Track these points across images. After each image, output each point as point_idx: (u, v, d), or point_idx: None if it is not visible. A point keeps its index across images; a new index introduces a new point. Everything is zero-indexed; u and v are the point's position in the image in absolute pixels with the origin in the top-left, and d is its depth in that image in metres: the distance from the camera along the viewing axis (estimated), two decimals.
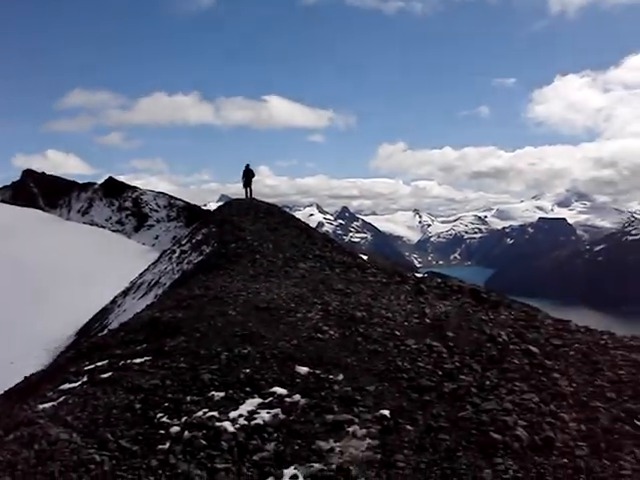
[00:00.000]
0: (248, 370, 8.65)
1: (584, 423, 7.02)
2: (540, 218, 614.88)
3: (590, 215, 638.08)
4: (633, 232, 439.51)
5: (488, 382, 8.09)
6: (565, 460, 6.31)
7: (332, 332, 10.25)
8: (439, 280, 16.65)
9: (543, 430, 6.80)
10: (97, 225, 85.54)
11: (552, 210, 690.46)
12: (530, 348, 9.24)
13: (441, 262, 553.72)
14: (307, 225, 30.70)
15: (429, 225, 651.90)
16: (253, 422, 7.20)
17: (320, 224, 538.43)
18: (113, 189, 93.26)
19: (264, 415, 7.38)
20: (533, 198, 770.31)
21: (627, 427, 6.94)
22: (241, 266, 19.25)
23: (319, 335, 10.04)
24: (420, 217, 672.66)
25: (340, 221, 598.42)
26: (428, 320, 11.03)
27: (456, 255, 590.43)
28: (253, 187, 37.34)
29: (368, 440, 6.69)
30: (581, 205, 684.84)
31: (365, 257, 39.65)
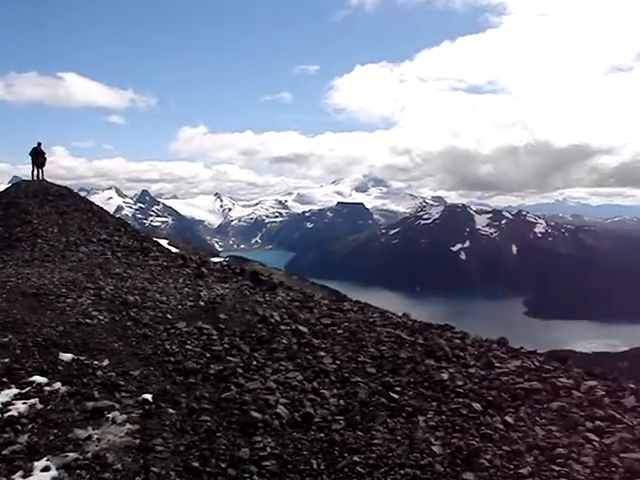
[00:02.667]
0: (7, 360, 8.17)
1: (343, 398, 7.25)
2: (339, 203, 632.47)
3: (386, 200, 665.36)
4: (425, 217, 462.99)
5: (255, 362, 8.15)
6: (322, 434, 6.48)
7: (102, 317, 9.91)
8: (224, 263, 16.66)
9: (303, 407, 6.95)
10: None
11: (350, 195, 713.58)
12: (300, 328, 9.41)
13: (242, 246, 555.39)
14: (100, 208, 29.64)
15: (230, 209, 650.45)
16: (6, 414, 6.80)
17: (119, 208, 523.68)
18: None
19: (19, 406, 6.95)
20: (332, 183, 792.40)
21: (383, 399, 7.25)
22: (19, 251, 18.26)
23: (87, 320, 9.67)
24: (221, 201, 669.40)
25: (140, 205, 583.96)
26: (202, 303, 10.95)
27: (257, 239, 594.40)
28: (45, 168, 35.57)
29: (128, 425, 6.51)
30: (377, 190, 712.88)
31: (166, 241, 38.99)
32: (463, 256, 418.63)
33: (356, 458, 6.04)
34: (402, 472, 5.86)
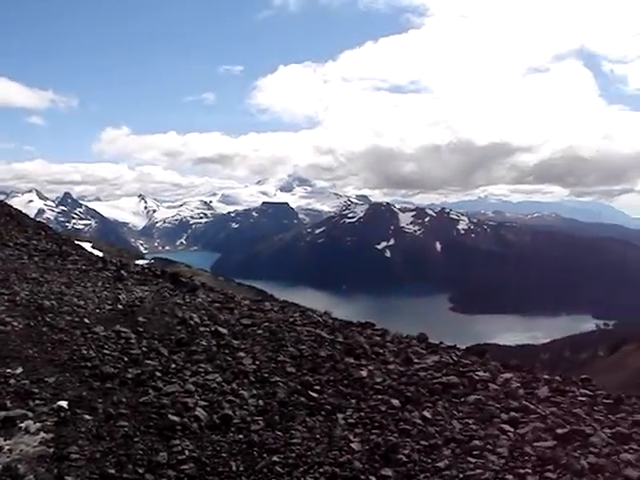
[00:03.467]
0: None
1: (262, 398, 7.24)
2: (264, 203, 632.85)
3: (311, 199, 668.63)
4: (350, 215, 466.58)
5: (174, 365, 8.05)
6: (241, 436, 6.46)
7: (16, 323, 9.63)
8: (145, 265, 16.44)
9: (222, 408, 6.91)
10: None
11: (275, 195, 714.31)
12: (219, 329, 9.34)
13: (168, 247, 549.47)
14: (19, 212, 28.85)
15: (155, 211, 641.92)
16: None
17: (40, 211, 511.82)
18: None
19: None
20: (257, 183, 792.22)
21: (302, 398, 7.27)
22: None
23: (1, 327, 9.43)
24: (145, 202, 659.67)
25: (62, 207, 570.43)
26: (121, 306, 10.75)
27: (182, 240, 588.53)
28: None
29: (42, 434, 6.34)
30: (302, 190, 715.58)
31: (89, 245, 38.19)
32: (388, 254, 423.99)
33: (275, 458, 6.04)
34: (321, 470, 5.89)
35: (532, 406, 7.30)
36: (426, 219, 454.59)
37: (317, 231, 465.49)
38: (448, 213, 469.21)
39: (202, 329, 9.40)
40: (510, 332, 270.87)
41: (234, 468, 5.91)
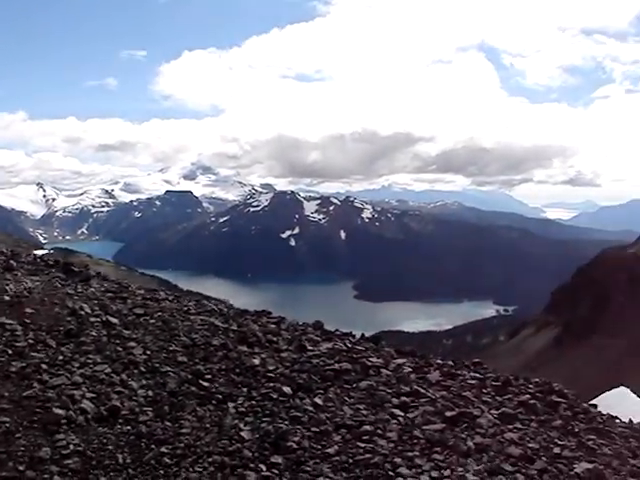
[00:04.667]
0: None
1: (152, 389, 7.10)
2: (167, 191, 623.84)
3: (215, 188, 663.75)
4: (254, 204, 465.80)
5: (61, 357, 7.79)
6: (129, 427, 6.31)
7: None
8: (38, 255, 15.92)
9: (110, 400, 6.73)
10: None
11: (179, 183, 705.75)
12: (111, 319, 9.10)
13: (68, 237, 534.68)
14: None
15: (54, 199, 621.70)
16: None
17: None
18: None
19: None
20: (160, 171, 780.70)
21: (193, 388, 7.16)
22: None
23: None
24: (44, 191, 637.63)
25: None
26: (8, 297, 10.38)
27: (83, 230, 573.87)
28: None
29: None
30: (206, 178, 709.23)
31: None
32: (293, 242, 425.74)
33: (163, 449, 5.93)
34: (210, 460, 5.82)
35: (423, 390, 7.44)
36: (330, 208, 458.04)
37: (221, 220, 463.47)
38: (352, 202, 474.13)
39: (93, 319, 9.12)
40: (414, 319, 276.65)
41: (121, 460, 5.76)
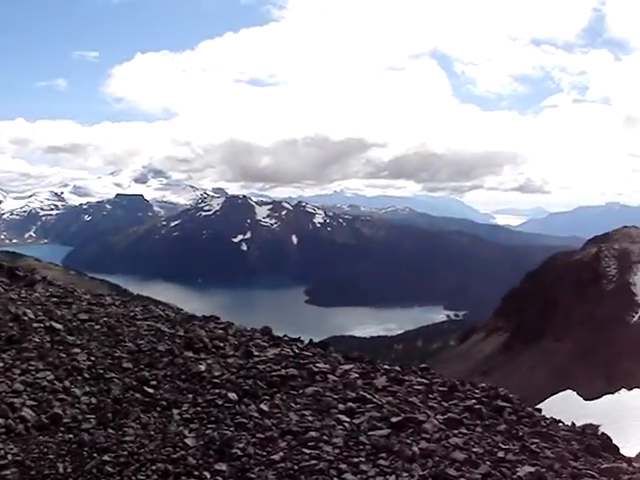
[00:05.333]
0: None
1: (96, 396, 6.99)
2: (118, 194, 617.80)
3: (166, 192, 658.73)
4: (206, 208, 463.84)
5: (2, 364, 7.62)
6: (70, 435, 6.22)
7: None
8: None
9: (52, 408, 6.62)
10: None
11: (129, 186, 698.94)
12: (54, 325, 8.95)
13: (15, 240, 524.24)
14: None
15: (1, 201, 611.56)
16: None
17: None
18: None
19: None
20: (111, 174, 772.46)
21: (137, 395, 7.07)
22: None
23: None
24: None
25: None
26: None
27: (31, 233, 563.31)
28: None
29: None
30: (157, 182, 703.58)
31: None
32: (244, 247, 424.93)
33: (106, 457, 5.84)
34: (153, 468, 5.75)
35: (369, 396, 7.44)
36: (282, 212, 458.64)
37: (173, 224, 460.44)
38: (304, 207, 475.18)
39: (36, 325, 8.95)
40: (365, 324, 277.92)
41: (61, 470, 5.67)
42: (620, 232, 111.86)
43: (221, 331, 9.64)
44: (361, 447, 6.30)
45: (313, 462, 5.90)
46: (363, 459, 6.09)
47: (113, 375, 7.48)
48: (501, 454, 6.59)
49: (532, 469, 6.26)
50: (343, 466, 5.90)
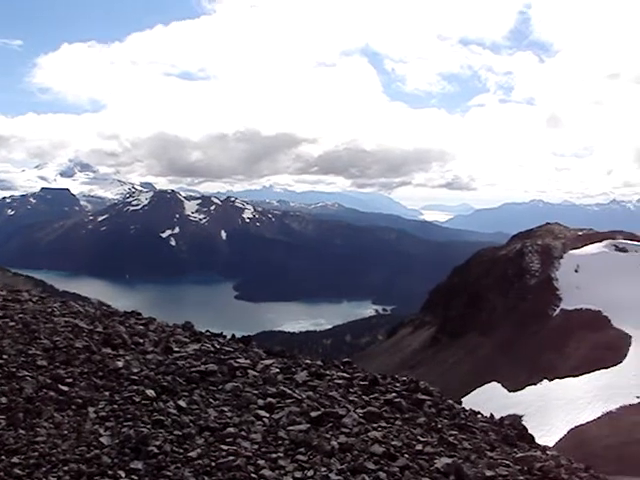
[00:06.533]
0: None
1: (7, 395, 6.77)
2: (43, 188, 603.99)
3: (93, 186, 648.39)
4: (134, 203, 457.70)
5: None
6: None
7: None
8: None
9: None
10: None
11: (55, 180, 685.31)
12: None
13: None
14: None
15: None
16: None
17: None
18: None
19: None
20: (36, 167, 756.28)
21: (52, 393, 6.88)
22: None
23: None
24: None
25: None
26: None
27: None
28: None
29: None
30: (84, 176, 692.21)
31: None
32: (173, 242, 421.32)
33: (15, 459, 5.62)
34: (66, 468, 5.57)
35: (289, 391, 7.42)
36: (212, 207, 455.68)
37: (100, 219, 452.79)
38: (233, 202, 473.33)
39: None
40: (294, 319, 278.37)
41: None
42: (543, 228, 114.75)
43: (141, 327, 9.49)
44: (280, 442, 6.28)
45: (231, 458, 5.84)
46: (282, 454, 6.06)
47: (26, 373, 7.25)
48: (419, 447, 6.66)
49: (449, 460, 6.35)
50: (261, 462, 5.86)
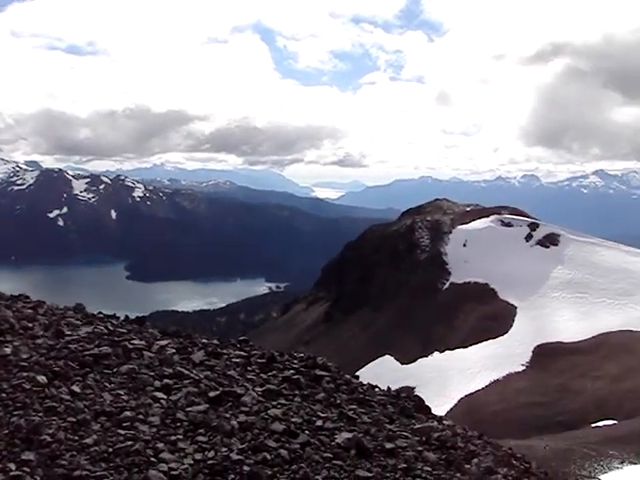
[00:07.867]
0: None
1: None
2: None
3: None
4: (19, 182, 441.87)
5: None
6: None
7: None
8: None
9: None
10: None
11: None
12: None
13: None
14: None
15: None
16: None
17: None
18: None
19: None
20: None
21: None
22: None
23: None
24: None
25: None
26: None
27: None
28: None
29: None
30: None
31: None
32: (61, 222, 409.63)
33: None
34: None
35: (186, 371, 7.33)
36: (101, 186, 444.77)
37: None
38: (123, 180, 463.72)
39: None
40: (188, 299, 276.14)
41: None
42: (432, 204, 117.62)
43: (30, 310, 9.11)
44: (179, 424, 6.21)
45: (129, 443, 5.72)
46: (181, 436, 6.00)
47: None
48: (319, 422, 6.71)
49: (350, 435, 6.43)
50: (160, 445, 5.78)
